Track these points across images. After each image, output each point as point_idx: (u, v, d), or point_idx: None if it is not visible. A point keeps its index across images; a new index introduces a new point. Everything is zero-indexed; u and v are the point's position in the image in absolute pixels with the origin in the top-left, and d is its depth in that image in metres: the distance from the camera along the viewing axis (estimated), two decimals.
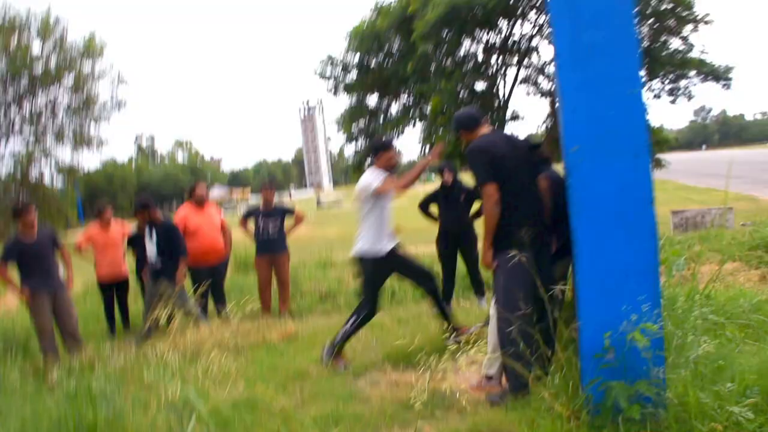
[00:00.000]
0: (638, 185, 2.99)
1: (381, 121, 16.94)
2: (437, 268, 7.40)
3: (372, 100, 16.98)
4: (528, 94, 17.11)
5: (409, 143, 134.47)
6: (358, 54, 15.46)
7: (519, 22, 15.25)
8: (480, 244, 6.99)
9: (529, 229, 3.67)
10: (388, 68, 15.01)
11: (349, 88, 16.09)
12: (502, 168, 3.69)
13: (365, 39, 14.48)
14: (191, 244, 7.20)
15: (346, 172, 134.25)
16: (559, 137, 3.41)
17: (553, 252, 4.02)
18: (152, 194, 79.36)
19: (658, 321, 2.89)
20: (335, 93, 16.17)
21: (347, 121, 16.16)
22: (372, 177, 4.94)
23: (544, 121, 16.63)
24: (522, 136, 4.41)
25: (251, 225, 7.88)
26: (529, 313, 3.63)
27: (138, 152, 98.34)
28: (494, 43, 15.47)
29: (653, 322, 2.85)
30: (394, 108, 16.99)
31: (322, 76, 15.87)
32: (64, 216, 24.28)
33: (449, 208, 6.96)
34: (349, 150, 17.18)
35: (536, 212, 3.82)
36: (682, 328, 3.19)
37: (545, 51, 19.77)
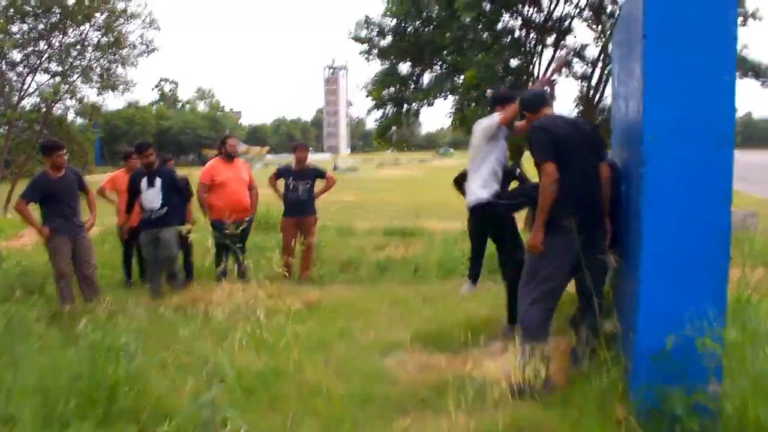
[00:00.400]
0: (717, 180, 2.79)
1: (411, 90, 16.53)
2: (467, 245, 7.21)
3: (404, 67, 16.54)
4: (565, 75, 16.60)
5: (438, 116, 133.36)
6: (394, 18, 14.98)
7: (560, 0, 14.74)
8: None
9: (584, 216, 3.54)
10: (425, 35, 14.54)
11: (383, 53, 15.66)
12: (563, 149, 3.57)
13: (404, 2, 14.01)
14: (217, 198, 7.05)
15: (364, 138, 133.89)
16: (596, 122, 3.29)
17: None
18: (171, 141, 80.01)
19: (722, 327, 2.69)
20: (368, 57, 15.75)
21: (378, 86, 15.75)
22: (489, 118, 4.67)
23: (576, 105, 16.20)
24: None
25: (280, 185, 7.69)
26: (550, 302, 3.70)
27: (160, 97, 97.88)
28: (533, 20, 14.94)
29: (717, 327, 2.64)
30: (426, 77, 16.56)
31: (357, 38, 15.44)
32: (83, 156, 24.22)
33: None
34: (376, 116, 16.79)
35: (594, 199, 3.68)
36: (743, 336, 2.97)
37: (582, 34, 19.15)
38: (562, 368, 3.83)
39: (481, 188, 4.69)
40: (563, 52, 4.57)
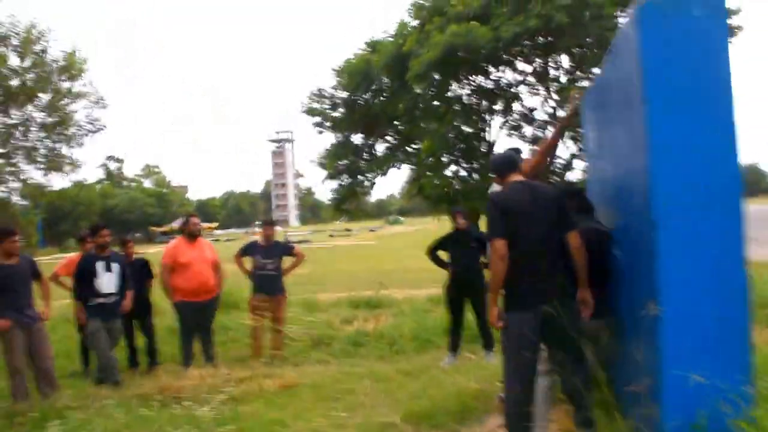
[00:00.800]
0: (731, 243, 2.74)
1: (365, 161, 16.69)
2: (438, 314, 7.09)
3: (356, 138, 16.76)
4: (511, 136, 17.04)
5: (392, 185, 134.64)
6: (345, 91, 15.26)
7: (505, 68, 15.28)
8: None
9: (542, 290, 3.49)
10: (376, 107, 14.83)
11: (335, 125, 15.85)
12: (515, 224, 3.51)
13: (355, 75, 14.29)
14: (182, 279, 6.77)
15: (313, 210, 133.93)
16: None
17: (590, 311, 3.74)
18: (117, 220, 77.99)
19: (750, 399, 2.60)
20: (321, 129, 15.91)
21: (331, 158, 15.85)
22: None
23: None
24: (558, 186, 4.14)
25: (246, 262, 7.47)
26: (523, 391, 3.55)
27: (106, 175, 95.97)
28: (482, 87, 15.43)
29: (745, 398, 2.56)
30: (380, 147, 16.79)
31: (310, 111, 15.60)
32: (27, 239, 23.25)
33: (460, 254, 6.67)
34: (330, 186, 16.85)
35: (553, 272, 3.56)
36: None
37: (528, 99, 19.92)
38: None
39: None
40: (574, 93, 4.63)
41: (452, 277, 6.75)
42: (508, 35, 11.36)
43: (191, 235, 6.99)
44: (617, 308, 3.75)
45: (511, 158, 3.79)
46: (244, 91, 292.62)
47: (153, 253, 7.38)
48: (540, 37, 12.69)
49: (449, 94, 14.68)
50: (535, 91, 16.23)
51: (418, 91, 12.89)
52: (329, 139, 16.50)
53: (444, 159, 14.25)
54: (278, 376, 6.18)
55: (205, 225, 65.45)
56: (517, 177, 3.76)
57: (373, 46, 14.65)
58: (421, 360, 6.88)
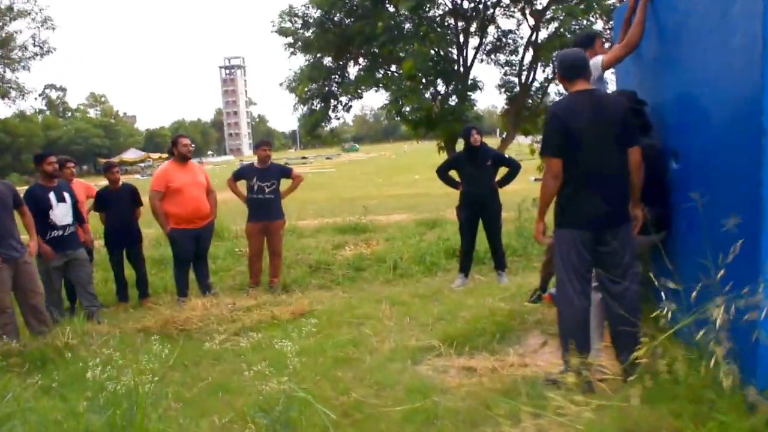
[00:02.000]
0: None
1: (336, 84, 16.00)
2: (457, 238, 6.88)
3: (327, 60, 15.97)
4: (484, 62, 16.57)
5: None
6: (319, 9, 14.35)
7: None
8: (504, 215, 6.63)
9: (601, 212, 3.33)
10: (353, 27, 14.02)
11: (307, 46, 15.01)
12: (576, 141, 3.29)
13: None
14: (174, 205, 6.32)
15: (268, 137, 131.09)
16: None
17: (646, 226, 3.57)
18: (62, 153, 74.25)
19: None
20: (293, 51, 15.05)
21: (304, 81, 15.10)
22: (594, 59, 4.04)
23: (504, 91, 16.21)
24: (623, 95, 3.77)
25: (240, 186, 7.04)
26: (580, 300, 3.41)
27: (47, 106, 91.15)
28: (457, 7, 14.76)
29: None
30: (353, 70, 16.07)
31: (282, 31, 14.68)
32: None
33: (475, 173, 6.40)
34: (301, 112, 16.13)
35: (613, 194, 3.37)
36: None
37: (504, 23, 19.27)
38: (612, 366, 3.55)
39: None
40: None
41: (465, 197, 6.49)
42: None
43: (182, 157, 6.49)
44: (678, 224, 3.56)
45: (583, 60, 3.44)
46: (193, 14, 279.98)
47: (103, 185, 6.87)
48: None
49: (430, 14, 14.03)
50: (510, 13, 15.69)
51: (411, 6, 12.12)
52: (287, 63, 15.60)
53: (424, 81, 13.67)
54: (287, 303, 5.92)
55: (155, 155, 63.44)
56: (584, 85, 3.44)
57: None
58: (430, 283, 6.72)
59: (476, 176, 6.40)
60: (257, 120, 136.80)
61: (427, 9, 13.79)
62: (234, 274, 7.76)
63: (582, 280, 3.43)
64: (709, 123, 3.15)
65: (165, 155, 76.67)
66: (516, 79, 15.94)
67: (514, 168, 6.58)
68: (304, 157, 74.11)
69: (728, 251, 2.66)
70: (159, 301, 6.55)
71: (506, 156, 6.91)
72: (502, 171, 6.64)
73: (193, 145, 6.79)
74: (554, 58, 16.62)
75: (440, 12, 14.71)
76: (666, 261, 3.27)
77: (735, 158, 2.86)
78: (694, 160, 3.38)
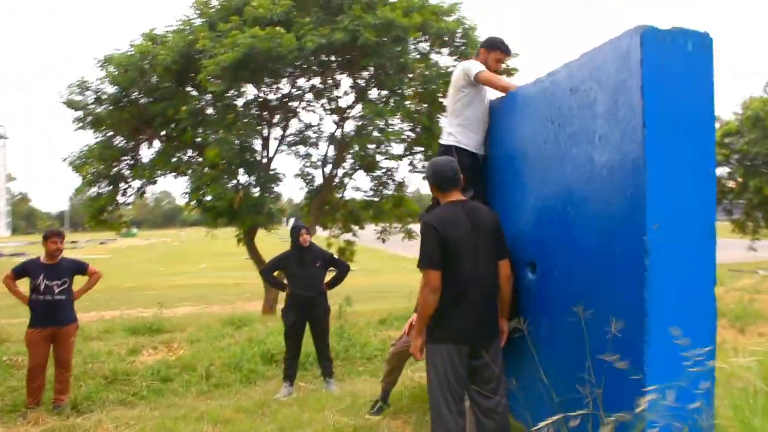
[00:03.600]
0: (707, 267, 2.77)
1: (128, 166, 14.86)
2: (273, 340, 6.38)
3: (119, 139, 14.83)
4: (283, 153, 16.69)
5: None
6: (116, 86, 13.33)
7: (295, 80, 14.83)
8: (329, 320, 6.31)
9: (475, 324, 3.24)
10: (153, 107, 13.19)
11: (98, 123, 13.77)
12: (453, 252, 3.19)
13: (132, 69, 12.54)
14: None
15: (28, 218, 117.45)
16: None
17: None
18: None
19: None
20: (83, 126, 13.67)
21: (97, 159, 13.75)
22: (473, 62, 3.84)
23: (308, 186, 16.34)
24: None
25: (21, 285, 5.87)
26: (456, 422, 3.21)
27: None
28: (263, 98, 14.75)
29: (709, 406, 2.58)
30: (146, 152, 15.11)
31: (71, 103, 13.29)
32: None
33: (303, 274, 6.04)
34: (89, 194, 14.59)
35: (485, 303, 3.30)
36: None
37: (306, 117, 19.78)
38: None
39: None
40: None
41: (292, 299, 6.08)
42: (313, 45, 10.96)
43: None
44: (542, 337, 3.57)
45: (455, 172, 3.37)
46: None
47: None
48: (343, 53, 12.56)
49: (239, 102, 13.78)
50: (311, 108, 16.11)
51: (217, 91, 11.68)
52: (58, 137, 14.26)
53: (227, 169, 13.16)
54: (83, 429, 4.88)
55: None
56: (457, 195, 3.38)
57: (153, 38, 13.04)
58: (251, 393, 6.08)
59: (304, 277, 6.06)
60: (17, 197, 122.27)
61: (233, 96, 13.53)
62: (3, 392, 6.31)
63: (458, 399, 3.24)
64: (579, 238, 3.21)
65: None
66: (315, 172, 16.20)
67: (342, 269, 6.38)
68: (73, 242, 67.13)
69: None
70: None
71: (335, 257, 6.71)
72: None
73: None
74: (424, 167, 17.19)
75: (244, 100, 14.56)
76: (542, 374, 3.22)
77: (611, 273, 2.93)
78: (560, 273, 3.43)
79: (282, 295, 10.64)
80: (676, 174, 2.72)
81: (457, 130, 3.93)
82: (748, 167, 19.55)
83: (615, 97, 2.86)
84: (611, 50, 2.89)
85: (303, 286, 6.03)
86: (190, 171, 13.77)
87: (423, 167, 15.89)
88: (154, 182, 15.04)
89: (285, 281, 6.29)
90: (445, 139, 3.97)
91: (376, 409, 4.85)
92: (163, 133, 14.34)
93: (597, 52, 3.01)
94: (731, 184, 20.49)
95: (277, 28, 11.13)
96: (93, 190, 14.65)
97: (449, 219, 3.26)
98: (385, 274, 31.75)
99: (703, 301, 2.76)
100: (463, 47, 13.56)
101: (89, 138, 14.50)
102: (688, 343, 2.47)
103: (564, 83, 3.31)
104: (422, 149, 14.63)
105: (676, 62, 2.73)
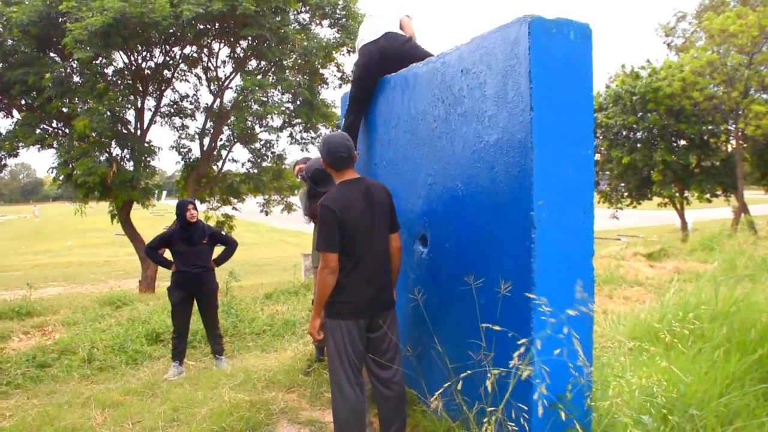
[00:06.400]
0: (585, 240, 3.03)
1: None
2: (168, 321, 6.23)
3: None
4: (160, 124, 16.03)
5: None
6: None
7: (162, 49, 14.18)
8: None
9: (373, 299, 3.38)
10: (12, 74, 12.08)
11: None
12: (349, 231, 3.30)
13: None
14: None
15: None
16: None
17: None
18: None
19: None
20: None
21: None
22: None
23: (184, 159, 15.79)
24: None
25: None
26: (356, 392, 3.35)
27: None
28: (135, 66, 14.00)
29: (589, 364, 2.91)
30: (5, 122, 13.98)
31: None
32: None
33: (190, 251, 5.93)
34: None
35: (380, 277, 3.45)
36: None
37: (181, 87, 18.97)
38: None
39: None
40: None
41: (179, 277, 5.95)
42: (190, 14, 10.50)
43: None
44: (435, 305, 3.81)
45: (349, 150, 3.44)
46: None
47: None
48: (221, 22, 12.12)
49: (109, 70, 12.95)
50: (185, 78, 15.54)
51: (85, 58, 10.85)
52: None
53: (99, 142, 12.38)
54: None
55: None
56: (351, 174, 3.48)
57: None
58: (139, 375, 5.91)
59: (191, 255, 5.96)
60: None
61: (102, 64, 12.75)
62: None
63: (356, 371, 3.39)
64: (468, 212, 3.43)
65: None
66: (192, 144, 15.73)
67: (231, 245, 6.33)
68: None
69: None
70: None
71: (223, 233, 6.63)
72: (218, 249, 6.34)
73: None
74: (303, 138, 16.83)
75: (114, 68, 13.73)
76: (436, 342, 3.45)
77: (500, 245, 3.16)
78: (450, 246, 3.65)
79: (161, 273, 10.39)
80: (560, 154, 2.93)
81: None
82: (611, 140, 21.12)
83: (504, 81, 3.03)
84: (501, 37, 3.05)
85: (190, 263, 5.92)
86: (56, 143, 12.87)
87: (302, 139, 15.88)
88: (16, 155, 13.94)
89: (171, 258, 6.15)
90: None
91: (312, 369, 4.95)
92: (23, 102, 13.29)
93: (487, 38, 3.17)
94: (597, 156, 22.03)
95: None
96: None
97: (346, 200, 3.34)
98: (265, 247, 31.45)
99: (584, 270, 3.00)
100: (343, 20, 13.60)
101: None
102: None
103: (455, 65, 3.47)
104: (301, 121, 14.53)
105: (560, 50, 2.93)
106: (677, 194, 21.83)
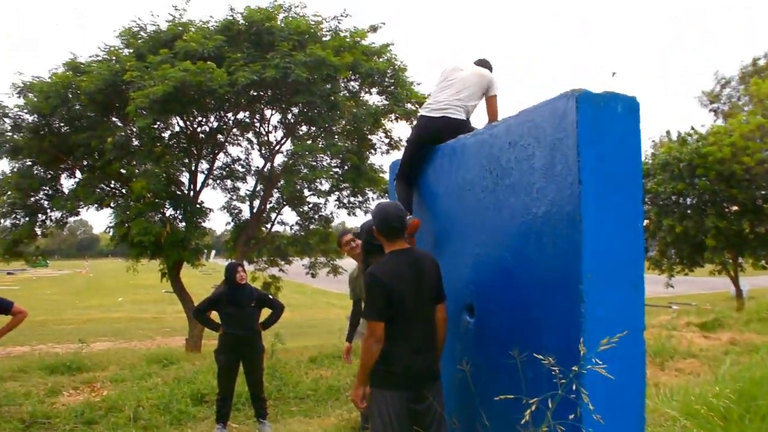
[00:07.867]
0: (637, 318, 2.99)
1: (47, 196, 14.35)
2: (213, 382, 6.31)
3: (38, 168, 14.32)
4: (212, 187, 16.52)
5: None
6: (36, 115, 12.86)
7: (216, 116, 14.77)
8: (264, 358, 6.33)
9: (419, 370, 3.40)
10: (76, 136, 12.79)
11: (16, 151, 13.24)
12: (397, 302, 3.34)
13: (53, 97, 12.17)
14: None
15: None
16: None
17: None
18: None
19: None
20: None
21: (13, 189, 13.20)
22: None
23: (234, 220, 16.17)
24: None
25: None
26: None
27: None
28: (190, 131, 14.61)
29: None
30: (66, 183, 14.65)
31: None
32: None
33: (237, 313, 6.06)
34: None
35: (426, 348, 3.46)
36: None
37: (233, 150, 19.62)
38: None
39: None
40: None
41: (226, 339, 6.07)
42: (245, 81, 11.04)
43: None
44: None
45: (402, 221, 3.53)
46: None
47: None
48: (273, 90, 12.68)
49: (167, 134, 13.59)
50: (237, 141, 16.07)
51: (145, 125, 11.46)
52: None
53: (154, 203, 12.88)
54: None
55: None
56: (401, 244, 3.55)
57: (76, 67, 12.73)
58: None
59: (239, 317, 6.08)
60: None
61: (160, 128, 13.35)
62: None
63: None
64: (516, 283, 3.42)
65: None
66: (242, 206, 16.10)
67: (277, 309, 6.43)
68: None
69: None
70: None
71: (270, 296, 6.76)
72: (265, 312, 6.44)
73: None
74: (371, 211, 16.80)
75: (170, 132, 14.35)
76: (482, 415, 3.41)
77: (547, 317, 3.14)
78: (497, 316, 3.63)
79: (207, 332, 10.52)
80: (609, 227, 2.93)
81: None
82: (660, 206, 20.73)
83: (552, 154, 3.08)
84: (548, 110, 3.12)
85: (237, 325, 6.04)
86: (113, 203, 13.42)
87: (349, 203, 16.10)
88: (77, 214, 14.56)
89: (217, 321, 6.28)
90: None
91: None
92: (85, 163, 13.98)
93: (535, 111, 3.25)
94: (645, 222, 21.57)
95: (208, 62, 11.14)
96: (8, 221, 14.07)
97: (394, 271, 3.40)
98: (309, 309, 31.55)
99: (634, 344, 2.94)
100: (392, 87, 13.99)
101: (5, 166, 13.98)
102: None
103: (503, 137, 3.55)
104: (349, 186, 14.79)
105: (608, 123, 2.97)
106: (730, 261, 21.13)
